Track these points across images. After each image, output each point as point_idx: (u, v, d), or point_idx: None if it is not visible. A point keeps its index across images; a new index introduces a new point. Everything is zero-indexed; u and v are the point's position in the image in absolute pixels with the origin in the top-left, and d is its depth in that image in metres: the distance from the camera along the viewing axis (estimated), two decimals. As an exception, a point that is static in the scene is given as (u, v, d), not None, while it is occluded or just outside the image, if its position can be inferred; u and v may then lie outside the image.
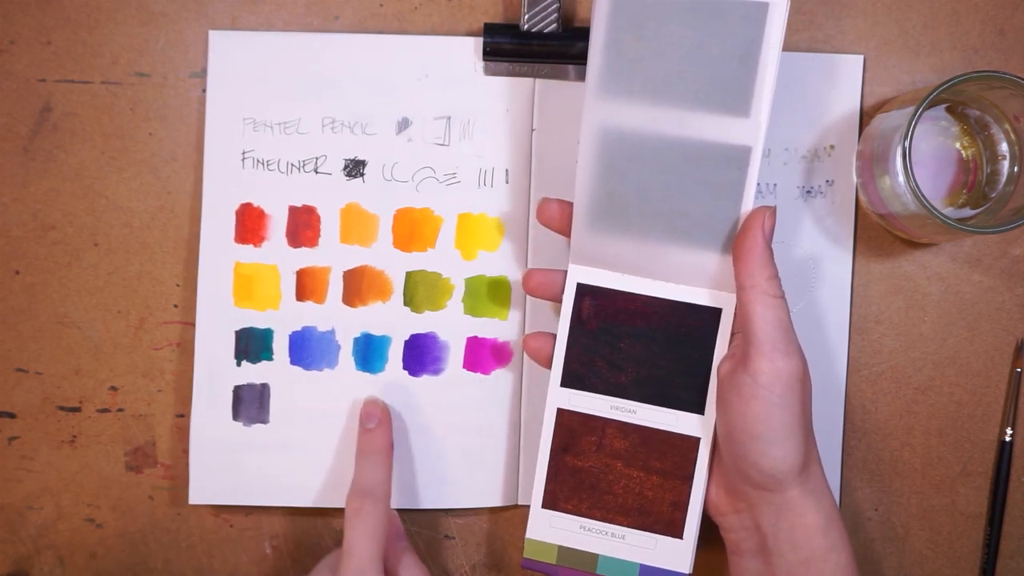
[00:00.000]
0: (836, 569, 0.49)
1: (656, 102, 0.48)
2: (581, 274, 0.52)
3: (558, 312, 0.53)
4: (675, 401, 0.52)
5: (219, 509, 0.59)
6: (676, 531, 0.52)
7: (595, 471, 0.52)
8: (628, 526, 0.52)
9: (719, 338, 0.51)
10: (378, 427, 0.56)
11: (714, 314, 0.51)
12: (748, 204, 0.49)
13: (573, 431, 0.52)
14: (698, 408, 0.51)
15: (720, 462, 0.51)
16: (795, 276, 0.58)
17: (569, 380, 0.52)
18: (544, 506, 0.53)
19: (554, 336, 0.53)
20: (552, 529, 0.53)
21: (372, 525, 0.51)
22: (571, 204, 0.52)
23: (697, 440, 0.51)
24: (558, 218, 0.52)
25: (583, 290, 0.52)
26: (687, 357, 0.51)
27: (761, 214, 0.48)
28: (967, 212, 0.55)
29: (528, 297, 0.58)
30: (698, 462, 0.51)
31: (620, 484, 0.52)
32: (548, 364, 0.53)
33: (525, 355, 0.58)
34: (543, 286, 0.53)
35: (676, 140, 0.49)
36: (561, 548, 0.53)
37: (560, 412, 0.53)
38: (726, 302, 0.51)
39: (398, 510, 0.58)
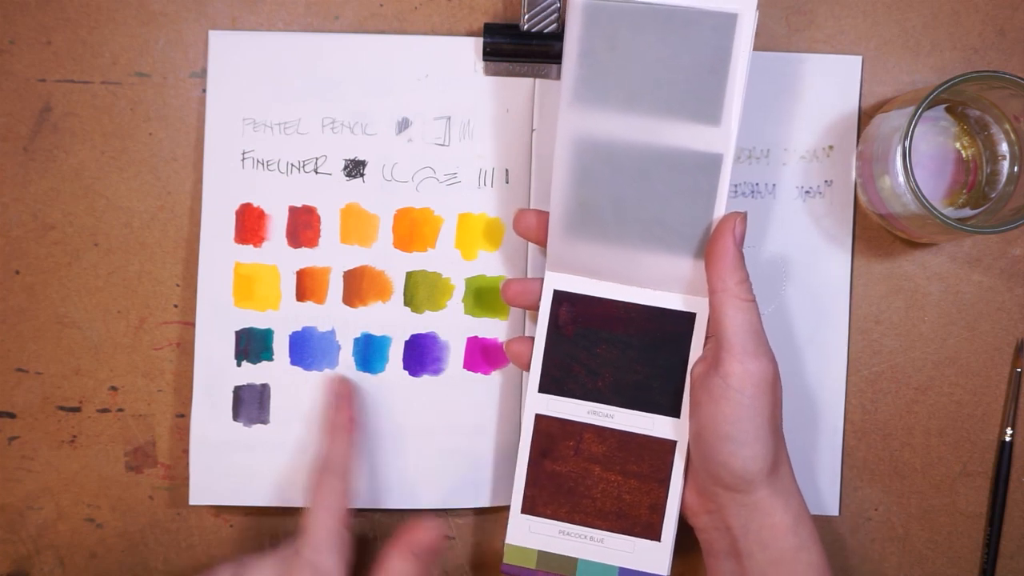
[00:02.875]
0: (807, 568, 0.49)
1: (629, 111, 0.49)
2: (558, 281, 0.53)
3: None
4: (651, 405, 0.52)
5: (219, 509, 0.59)
6: (654, 534, 0.52)
7: (573, 476, 0.53)
8: (607, 529, 0.53)
9: (694, 342, 0.52)
10: (342, 403, 0.56)
11: (688, 319, 0.52)
12: (720, 210, 0.50)
13: (551, 436, 0.53)
14: (674, 412, 0.52)
15: (691, 464, 0.52)
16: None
17: (547, 386, 0.53)
18: (523, 511, 0.53)
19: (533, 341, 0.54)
20: (531, 534, 0.53)
21: (331, 500, 0.52)
22: (547, 213, 0.52)
23: (673, 443, 0.52)
24: (535, 228, 0.53)
25: (560, 297, 0.53)
26: (663, 361, 0.52)
27: (732, 219, 0.49)
28: (967, 212, 0.55)
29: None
30: (675, 465, 0.52)
31: (598, 488, 0.53)
32: (528, 368, 0.54)
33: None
34: (522, 295, 0.54)
35: (649, 148, 0.49)
36: (541, 553, 0.53)
37: (538, 418, 0.53)
38: (700, 307, 0.52)
39: (399, 510, 0.58)
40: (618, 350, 0.52)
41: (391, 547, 0.52)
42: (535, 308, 0.54)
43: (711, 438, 0.49)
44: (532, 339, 0.54)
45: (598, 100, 0.49)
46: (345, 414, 0.56)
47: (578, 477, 0.53)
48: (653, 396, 0.52)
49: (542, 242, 0.53)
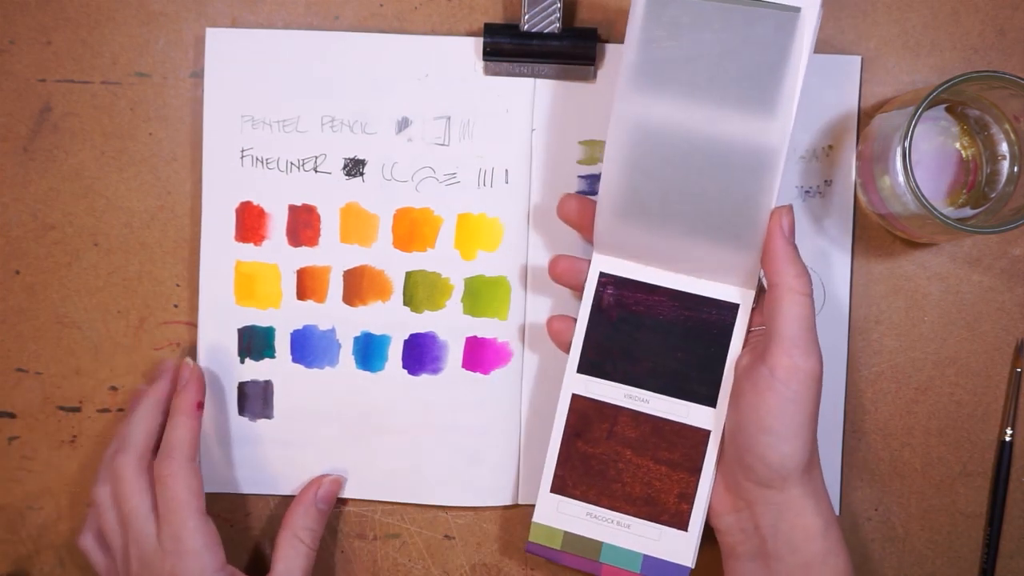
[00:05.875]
0: (835, 573, 0.49)
1: (686, 99, 0.49)
2: (604, 263, 0.53)
3: (559, 309, 0.54)
4: (688, 393, 0.52)
5: (219, 509, 0.59)
6: (682, 523, 0.52)
7: (605, 459, 0.53)
8: (634, 515, 0.53)
9: (735, 333, 0.52)
10: (186, 386, 0.55)
11: (732, 309, 0.52)
12: (771, 204, 0.49)
13: (586, 417, 0.53)
14: (710, 401, 0.52)
15: (724, 459, 0.52)
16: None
17: (586, 367, 0.53)
18: (553, 491, 0.53)
19: (575, 321, 0.54)
20: (559, 514, 0.53)
21: (189, 481, 0.53)
22: (588, 199, 0.53)
23: (707, 433, 0.52)
24: (577, 213, 0.53)
25: (605, 279, 0.53)
26: (703, 350, 0.52)
27: (779, 214, 0.49)
28: (967, 212, 0.55)
29: (528, 297, 0.58)
30: (707, 455, 0.52)
31: (629, 473, 0.53)
32: (567, 348, 0.54)
33: (525, 353, 0.58)
34: (568, 272, 0.54)
35: (703, 137, 0.49)
36: (567, 534, 0.53)
37: (575, 398, 0.53)
38: (744, 299, 0.52)
39: (399, 504, 0.58)
40: (659, 336, 0.52)
41: (296, 502, 0.55)
42: (579, 289, 0.54)
43: (751, 429, 0.49)
44: (573, 319, 0.54)
45: (656, 87, 0.49)
46: (189, 398, 0.55)
47: (609, 460, 0.53)
48: (691, 384, 0.52)
49: (582, 229, 0.54)
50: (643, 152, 0.50)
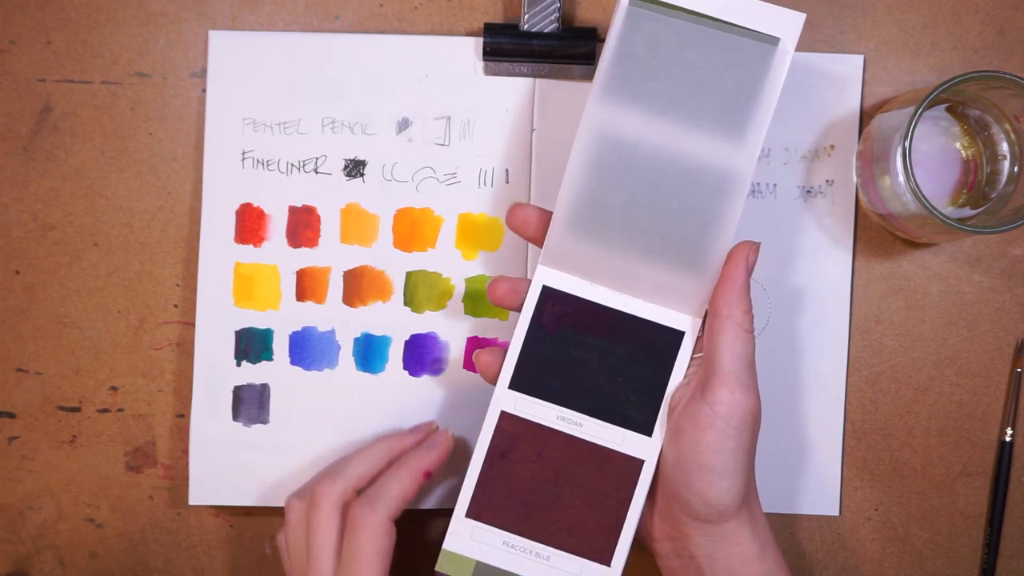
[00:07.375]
0: None
1: (657, 115, 0.49)
2: (549, 277, 0.51)
3: None
4: (624, 420, 0.50)
5: (219, 509, 0.59)
6: (605, 557, 0.50)
7: (530, 484, 0.50)
8: (555, 547, 0.50)
9: (678, 361, 0.50)
10: (429, 450, 0.53)
11: (676, 336, 0.50)
12: (730, 234, 0.49)
13: (514, 437, 0.50)
14: (647, 429, 0.50)
15: (661, 489, 0.51)
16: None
17: (518, 383, 0.51)
18: (468, 515, 0.50)
19: (505, 352, 0.52)
20: (472, 542, 0.50)
21: (380, 540, 0.50)
22: (546, 210, 0.51)
23: (641, 462, 0.50)
24: (533, 224, 0.51)
25: (548, 293, 0.51)
26: (643, 376, 0.50)
27: (746, 248, 0.49)
28: (967, 212, 0.55)
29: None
30: (639, 486, 0.50)
31: (554, 500, 0.50)
32: (495, 381, 0.52)
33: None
34: (510, 295, 0.52)
35: (670, 158, 0.49)
36: (479, 564, 0.50)
37: (503, 415, 0.51)
38: (690, 326, 0.50)
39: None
40: (599, 357, 0.50)
41: (402, 469, 0.52)
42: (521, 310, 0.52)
43: (691, 466, 0.48)
44: (503, 351, 0.52)
45: (628, 98, 0.49)
46: (426, 462, 0.53)
47: (534, 486, 0.50)
48: (628, 410, 0.50)
49: (536, 240, 0.52)
50: (608, 165, 0.49)
